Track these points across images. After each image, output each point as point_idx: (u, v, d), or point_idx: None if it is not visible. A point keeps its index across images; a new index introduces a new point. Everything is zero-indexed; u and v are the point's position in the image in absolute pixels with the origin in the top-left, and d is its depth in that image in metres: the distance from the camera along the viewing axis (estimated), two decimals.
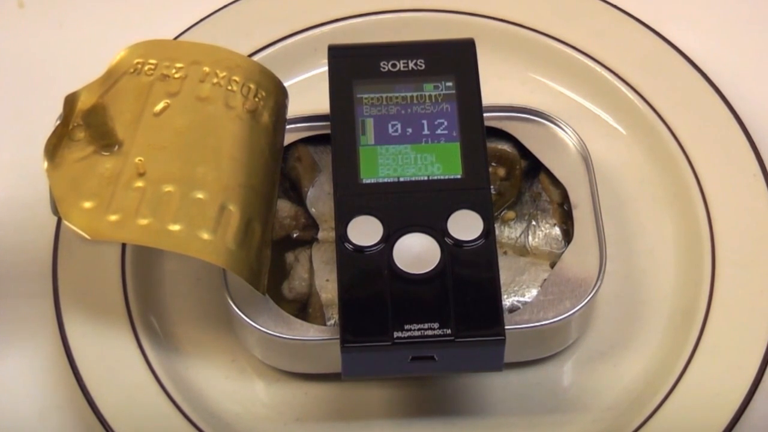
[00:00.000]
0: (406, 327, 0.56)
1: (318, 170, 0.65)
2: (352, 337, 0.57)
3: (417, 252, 0.58)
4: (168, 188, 0.59)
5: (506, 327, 0.57)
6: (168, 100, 0.62)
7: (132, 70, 0.63)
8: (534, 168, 0.65)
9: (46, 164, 0.60)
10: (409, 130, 0.62)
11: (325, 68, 0.64)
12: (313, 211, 0.64)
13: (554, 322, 0.60)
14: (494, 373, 0.59)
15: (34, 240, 0.67)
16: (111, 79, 0.62)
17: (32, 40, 0.74)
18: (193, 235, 0.58)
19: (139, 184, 0.59)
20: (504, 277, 0.61)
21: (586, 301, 0.60)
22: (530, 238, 0.64)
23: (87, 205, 0.59)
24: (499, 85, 0.70)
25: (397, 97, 0.62)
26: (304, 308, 0.62)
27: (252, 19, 0.72)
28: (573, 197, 0.63)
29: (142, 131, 0.61)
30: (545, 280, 0.61)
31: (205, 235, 0.58)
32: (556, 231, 0.64)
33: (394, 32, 0.71)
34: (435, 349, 0.57)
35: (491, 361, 0.58)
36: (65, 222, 0.59)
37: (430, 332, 0.56)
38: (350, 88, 0.62)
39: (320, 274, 0.62)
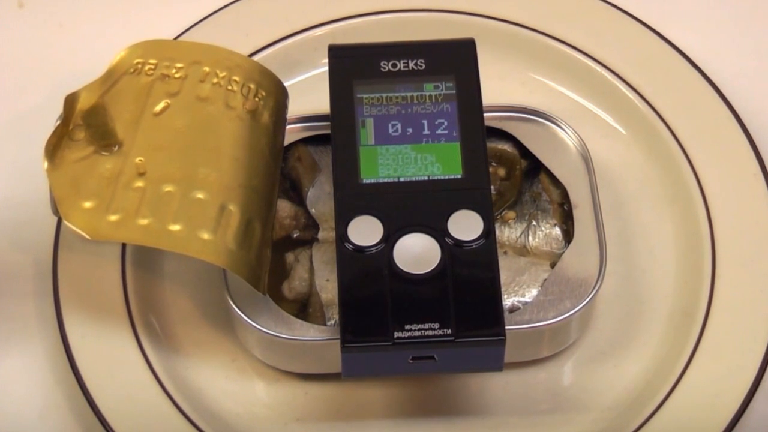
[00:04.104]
0: (407, 327, 0.56)
1: (318, 170, 0.65)
2: (353, 337, 0.57)
3: (417, 252, 0.58)
4: (168, 188, 0.59)
5: (506, 327, 0.57)
6: (168, 100, 0.62)
7: (132, 70, 0.63)
8: (534, 168, 0.65)
9: (46, 164, 0.60)
10: (410, 130, 0.62)
11: (325, 68, 0.64)
12: (313, 211, 0.64)
13: (554, 322, 0.60)
14: (494, 373, 0.59)
15: (34, 240, 0.67)
16: (111, 79, 0.62)
17: (32, 40, 0.74)
18: (193, 235, 0.58)
19: (139, 184, 0.59)
20: (504, 277, 0.61)
21: (586, 301, 0.60)
22: (530, 238, 0.64)
23: (87, 205, 0.59)
24: (499, 85, 0.70)
25: (397, 97, 0.62)
26: (304, 308, 0.62)
27: (252, 19, 0.72)
28: (573, 197, 0.63)
29: (142, 131, 0.61)
30: (545, 280, 0.62)
31: (205, 235, 0.58)
32: (556, 231, 0.64)
33: (394, 32, 0.71)
34: (435, 349, 0.57)
35: (491, 361, 0.58)
36: (65, 222, 0.59)
37: (430, 332, 0.56)
38: (350, 88, 0.62)
39: (320, 274, 0.62)
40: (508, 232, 0.64)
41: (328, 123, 0.63)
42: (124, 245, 0.65)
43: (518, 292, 0.62)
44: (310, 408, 0.63)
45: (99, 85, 0.62)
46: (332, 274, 0.62)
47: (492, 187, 0.62)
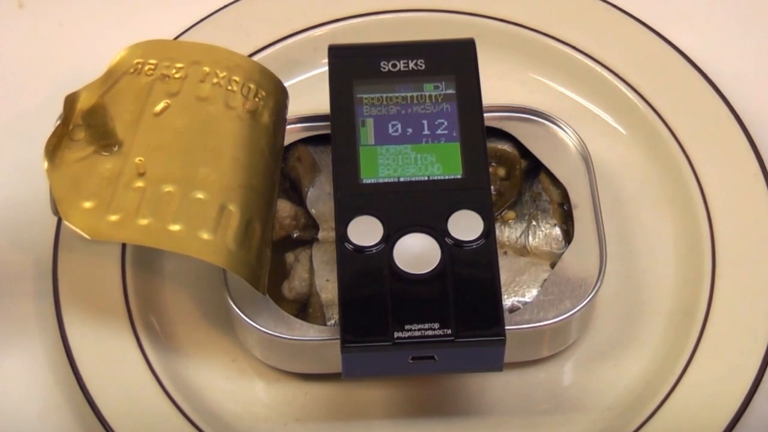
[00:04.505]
0: (407, 327, 0.56)
1: (318, 170, 0.65)
2: (353, 337, 0.57)
3: (417, 252, 0.58)
4: (168, 188, 0.59)
5: (506, 327, 0.57)
6: (168, 100, 0.62)
7: (132, 70, 0.63)
8: (534, 168, 0.65)
9: (46, 164, 0.60)
10: (409, 130, 0.62)
11: (325, 68, 0.64)
12: (313, 211, 0.64)
13: (554, 322, 0.60)
14: (494, 373, 0.59)
15: (34, 240, 0.67)
16: (111, 79, 0.62)
17: (32, 40, 0.74)
18: (193, 235, 0.58)
19: (139, 184, 0.59)
20: (504, 277, 0.61)
21: (586, 301, 0.60)
22: (530, 238, 0.64)
23: (87, 205, 0.59)
24: (499, 85, 0.70)
25: (397, 97, 0.62)
26: (304, 308, 0.62)
27: (252, 19, 0.72)
28: (573, 197, 0.63)
29: (142, 131, 0.61)
30: (545, 280, 0.62)
31: (205, 235, 0.58)
32: (556, 231, 0.64)
33: (394, 32, 0.71)
34: (435, 349, 0.57)
35: (491, 361, 0.58)
36: (65, 222, 0.59)
37: (430, 332, 0.56)
38: (350, 88, 0.62)
39: (320, 274, 0.62)
40: (508, 232, 0.64)
41: (328, 123, 0.63)
42: (124, 245, 0.65)
43: (518, 292, 0.62)
44: (310, 408, 0.63)
45: (99, 85, 0.62)
46: (332, 274, 0.62)
47: (492, 187, 0.62)
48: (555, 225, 0.64)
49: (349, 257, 0.58)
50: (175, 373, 0.63)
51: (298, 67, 0.71)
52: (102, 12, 0.75)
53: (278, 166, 0.63)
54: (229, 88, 0.63)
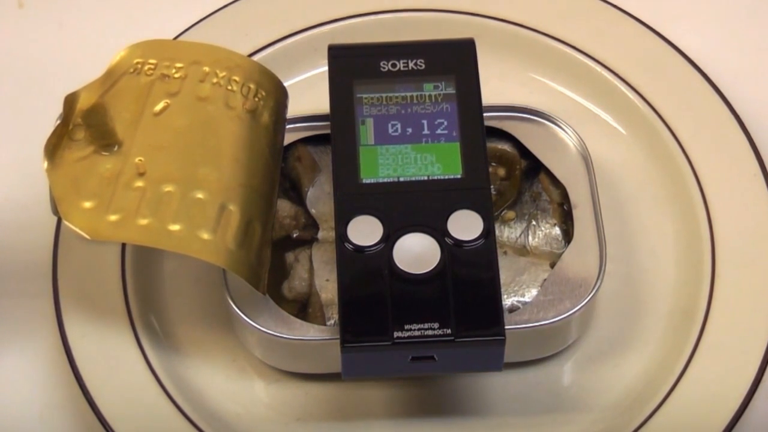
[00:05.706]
0: (406, 327, 0.56)
1: (318, 170, 0.65)
2: (352, 337, 0.57)
3: (417, 252, 0.58)
4: (168, 188, 0.59)
5: (506, 327, 0.57)
6: (168, 100, 0.62)
7: (132, 70, 0.63)
8: (534, 168, 0.65)
9: (46, 164, 0.60)
10: (409, 130, 0.62)
11: (325, 68, 0.64)
12: (313, 211, 0.64)
13: (554, 322, 0.60)
14: (494, 373, 0.59)
15: (34, 240, 0.67)
16: (111, 79, 0.62)
17: (32, 40, 0.74)
18: (193, 235, 0.58)
19: (139, 184, 0.59)
20: (504, 277, 0.61)
21: (586, 301, 0.60)
22: (530, 238, 0.64)
23: (87, 205, 0.59)
24: (499, 85, 0.70)
25: (397, 97, 0.62)
26: (304, 308, 0.62)
27: (252, 19, 0.72)
28: (573, 197, 0.63)
29: (142, 131, 0.61)
30: (545, 280, 0.61)
31: (205, 235, 0.58)
32: (556, 231, 0.64)
33: (394, 32, 0.71)
34: (435, 349, 0.57)
35: (491, 361, 0.58)
36: (65, 222, 0.59)
37: (430, 332, 0.56)
38: (350, 88, 0.62)
39: (320, 274, 0.62)
40: (507, 232, 0.64)
41: (328, 123, 0.63)
42: (124, 245, 0.65)
43: (518, 292, 0.62)
44: (311, 408, 0.63)
45: (99, 85, 0.62)
46: (332, 274, 0.62)
47: (492, 187, 0.62)
48: (555, 225, 0.64)
49: (349, 257, 0.58)
50: (175, 373, 0.63)
51: (298, 67, 0.71)
52: (102, 12, 0.75)
53: (278, 166, 0.63)
54: (229, 87, 0.63)
